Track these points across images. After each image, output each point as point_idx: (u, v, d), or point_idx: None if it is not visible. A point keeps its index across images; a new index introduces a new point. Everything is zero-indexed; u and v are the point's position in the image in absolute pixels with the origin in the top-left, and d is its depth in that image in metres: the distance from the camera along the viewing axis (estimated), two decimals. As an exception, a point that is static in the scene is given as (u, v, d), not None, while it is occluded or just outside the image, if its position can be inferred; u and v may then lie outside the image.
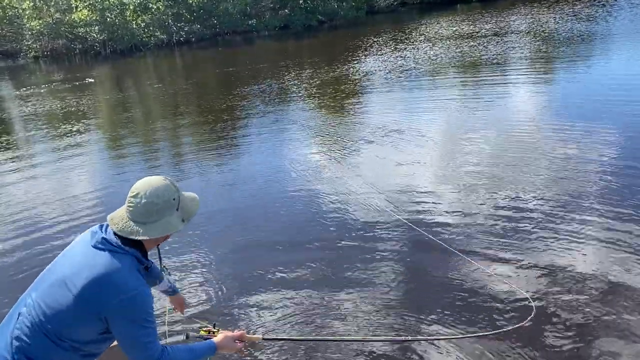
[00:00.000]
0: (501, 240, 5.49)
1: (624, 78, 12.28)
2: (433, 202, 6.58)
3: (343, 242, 5.85)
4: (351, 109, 12.66)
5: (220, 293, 5.13)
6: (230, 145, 10.68)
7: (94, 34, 36.35)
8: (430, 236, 5.58)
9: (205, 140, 11.25)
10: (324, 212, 6.69)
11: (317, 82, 16.47)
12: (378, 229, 6.04)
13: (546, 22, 24.03)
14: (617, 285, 4.50)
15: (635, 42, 17.33)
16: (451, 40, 21.96)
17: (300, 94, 15.09)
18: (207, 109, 14.77)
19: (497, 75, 14.28)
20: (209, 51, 32.39)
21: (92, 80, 23.46)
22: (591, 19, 23.29)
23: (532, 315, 3.96)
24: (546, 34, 20.38)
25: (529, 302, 4.33)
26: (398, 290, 4.86)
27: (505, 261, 5.10)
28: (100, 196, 8.20)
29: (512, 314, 4.34)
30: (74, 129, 13.65)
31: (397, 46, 22.53)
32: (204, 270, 5.55)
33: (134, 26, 36.67)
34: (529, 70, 14.63)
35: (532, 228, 5.64)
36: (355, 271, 5.23)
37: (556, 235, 5.41)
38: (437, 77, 15.19)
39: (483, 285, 4.77)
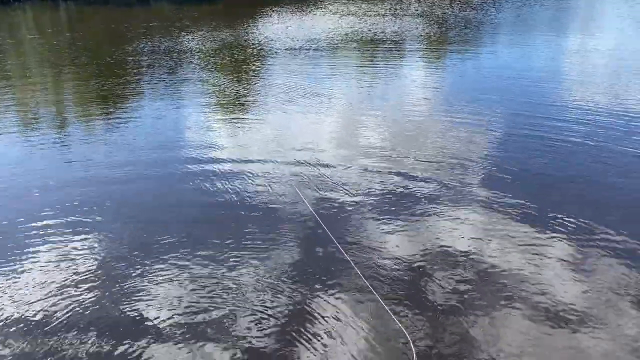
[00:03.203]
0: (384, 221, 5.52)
1: (510, 62, 13.08)
2: (330, 181, 6.40)
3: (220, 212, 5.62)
4: (248, 73, 12.30)
5: (107, 272, 4.67)
6: (117, 106, 9.91)
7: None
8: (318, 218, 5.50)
9: (89, 100, 10.34)
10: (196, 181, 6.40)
11: (214, 46, 15.84)
12: (274, 208, 5.79)
13: (439, 7, 25.04)
14: (493, 266, 4.48)
15: (518, 30, 18.57)
16: (355, 17, 22.15)
17: (195, 56, 14.41)
18: (92, 64, 13.65)
19: (394, 54, 14.61)
20: (99, 9, 30.01)
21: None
22: (479, 8, 24.59)
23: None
24: (439, 19, 21.21)
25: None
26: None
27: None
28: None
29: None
30: None
31: (303, 18, 22.32)
32: (85, 246, 4.98)
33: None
34: (423, 50, 15.12)
35: (415, 209, 5.65)
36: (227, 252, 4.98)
37: (438, 220, 5.28)
38: (337, 52, 15.22)
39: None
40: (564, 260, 4.49)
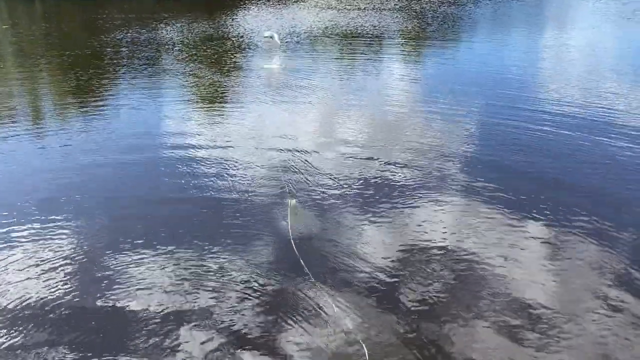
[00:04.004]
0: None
1: (487, 56, 13.30)
2: (311, 170, 6.44)
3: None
4: (227, 65, 12.28)
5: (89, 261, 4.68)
6: (94, 96, 9.81)
7: None
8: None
9: (65, 90, 10.21)
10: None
11: (193, 38, 15.77)
12: (254, 195, 5.86)
13: (418, 2, 25.23)
14: (470, 260, 4.49)
15: (495, 25, 18.85)
16: (335, 11, 22.21)
17: (173, 48, 14.32)
18: (68, 55, 13.47)
19: (374, 48, 14.72)
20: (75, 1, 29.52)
21: None
22: (457, 4, 24.86)
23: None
24: (418, 14, 21.40)
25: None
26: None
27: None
28: None
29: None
30: None
31: (282, 11, 22.30)
32: (71, 236, 4.96)
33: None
34: (402, 44, 15.27)
35: (394, 198, 5.80)
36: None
37: (416, 207, 5.36)
38: (317, 44, 15.27)
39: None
40: (541, 250, 4.56)
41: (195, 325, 3.66)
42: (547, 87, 9.93)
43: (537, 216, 5.08)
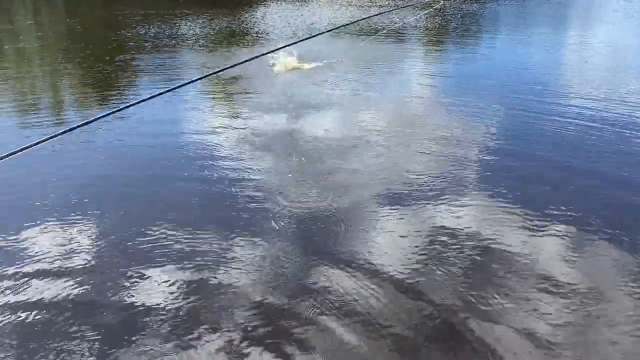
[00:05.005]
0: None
1: (510, 53, 13.14)
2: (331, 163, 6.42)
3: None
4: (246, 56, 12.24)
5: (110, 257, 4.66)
6: (121, 94, 9.81)
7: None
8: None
9: (91, 88, 10.21)
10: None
11: (213, 33, 15.79)
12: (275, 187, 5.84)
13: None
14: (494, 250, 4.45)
15: (521, 25, 18.60)
16: (354, 7, 22.11)
17: (194, 42, 14.36)
18: (92, 49, 13.59)
19: (396, 44, 14.61)
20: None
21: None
22: (482, 1, 24.58)
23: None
24: (440, 11, 21.20)
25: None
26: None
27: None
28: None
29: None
30: None
31: (301, 6, 22.26)
32: (92, 232, 4.87)
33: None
34: (423, 40, 15.14)
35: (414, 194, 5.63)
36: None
37: (438, 204, 5.20)
38: (338, 41, 15.20)
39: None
40: (563, 253, 4.47)
41: (217, 320, 3.63)
42: (574, 85, 9.77)
43: (565, 213, 4.97)
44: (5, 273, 4.10)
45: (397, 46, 14.01)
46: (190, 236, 4.58)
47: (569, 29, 17.77)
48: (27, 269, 4.14)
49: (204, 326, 3.53)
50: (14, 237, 4.60)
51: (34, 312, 3.67)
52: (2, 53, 13.23)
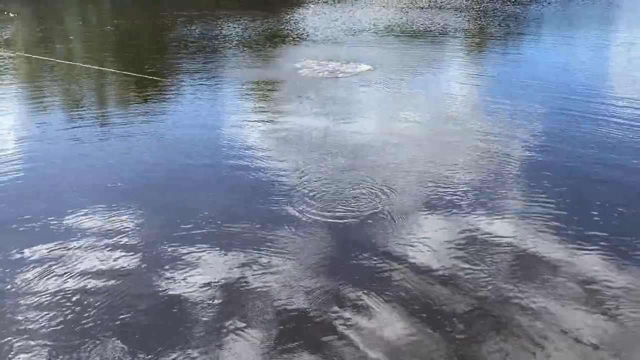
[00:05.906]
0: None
1: (554, 62, 12.88)
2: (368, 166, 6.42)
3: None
4: (285, 58, 12.38)
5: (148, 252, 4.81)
6: (161, 98, 9.92)
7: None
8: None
9: (133, 91, 10.39)
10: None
11: (257, 34, 16.00)
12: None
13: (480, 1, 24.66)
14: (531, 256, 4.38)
15: (564, 28, 18.19)
16: (394, 9, 22.07)
17: (235, 43, 14.59)
18: (136, 49, 13.97)
19: (436, 47, 14.51)
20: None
21: (14, 15, 21.46)
22: (523, 3, 24.16)
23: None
24: (481, 13, 20.92)
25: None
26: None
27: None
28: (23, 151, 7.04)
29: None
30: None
31: (337, 9, 22.35)
32: (135, 231, 4.87)
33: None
34: (464, 43, 14.97)
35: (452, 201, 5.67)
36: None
37: (476, 210, 5.07)
38: (379, 43, 15.19)
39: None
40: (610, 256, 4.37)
41: (251, 319, 3.69)
42: (621, 89, 9.50)
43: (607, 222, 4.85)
44: (53, 251, 4.28)
45: (438, 47, 13.90)
46: (234, 224, 4.69)
47: (615, 30, 17.27)
48: (73, 245, 4.31)
49: (248, 312, 3.60)
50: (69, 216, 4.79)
51: (79, 292, 3.81)
52: (54, 53, 13.73)
